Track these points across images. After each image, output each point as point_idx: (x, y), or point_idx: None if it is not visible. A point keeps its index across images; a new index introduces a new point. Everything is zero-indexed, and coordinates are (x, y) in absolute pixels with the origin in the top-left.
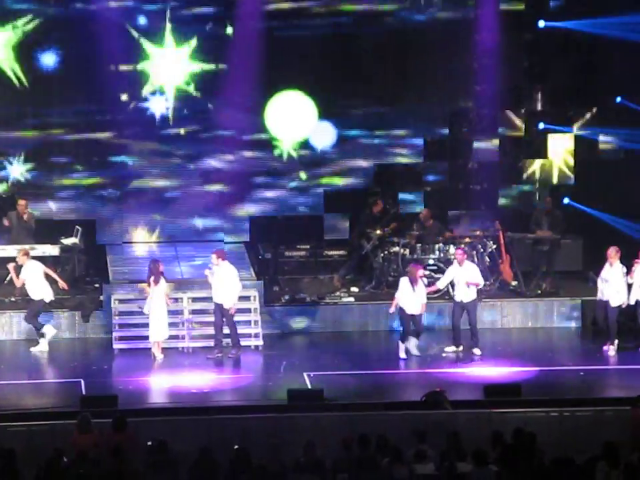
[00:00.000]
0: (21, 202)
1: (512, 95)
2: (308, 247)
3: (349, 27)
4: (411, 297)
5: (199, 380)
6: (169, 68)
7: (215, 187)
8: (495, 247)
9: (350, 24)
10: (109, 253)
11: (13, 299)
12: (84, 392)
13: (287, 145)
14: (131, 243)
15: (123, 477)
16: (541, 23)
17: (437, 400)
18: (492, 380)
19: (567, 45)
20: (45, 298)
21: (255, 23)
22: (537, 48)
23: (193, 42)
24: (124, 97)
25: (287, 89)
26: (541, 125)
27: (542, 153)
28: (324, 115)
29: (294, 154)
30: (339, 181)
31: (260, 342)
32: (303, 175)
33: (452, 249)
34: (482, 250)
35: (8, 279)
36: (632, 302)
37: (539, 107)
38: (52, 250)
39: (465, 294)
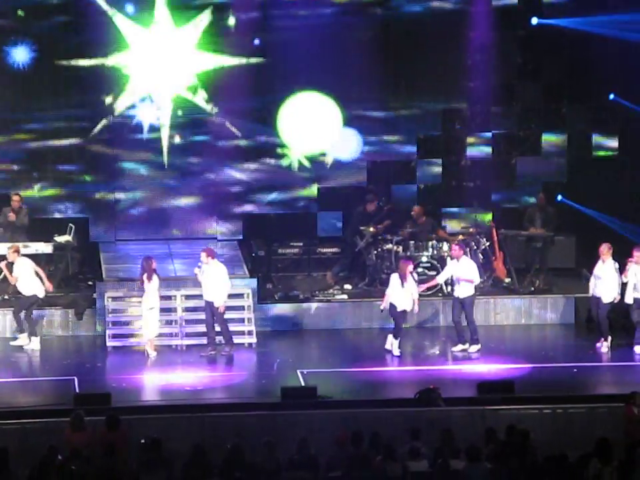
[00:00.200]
0: (15, 198)
1: (505, 91)
2: (301, 244)
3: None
4: (400, 292)
5: (192, 378)
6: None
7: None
8: (488, 243)
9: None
10: (102, 250)
11: (6, 297)
12: (77, 390)
13: (298, 154)
14: (125, 240)
15: (116, 475)
16: (534, 20)
17: (431, 397)
18: (485, 377)
19: (560, 42)
20: (37, 293)
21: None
22: (530, 45)
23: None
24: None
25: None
26: (534, 123)
27: (535, 150)
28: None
29: (306, 163)
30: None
31: (254, 339)
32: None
33: (445, 246)
34: (475, 247)
35: (1, 276)
36: (627, 300)
37: (532, 104)
38: (45, 247)
39: (460, 290)
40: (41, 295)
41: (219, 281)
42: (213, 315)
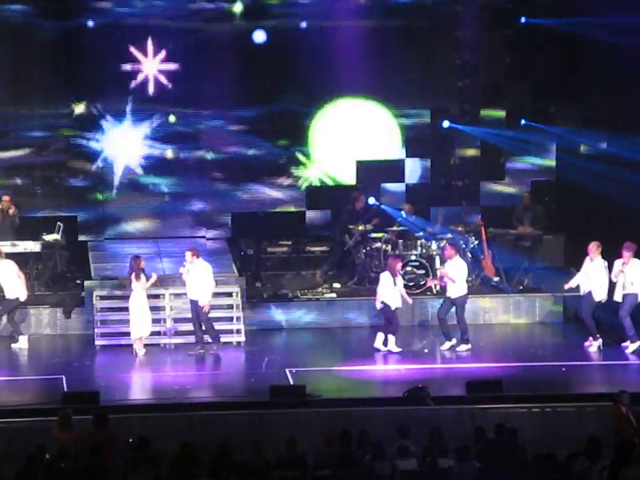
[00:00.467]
0: (5, 198)
1: (493, 90)
2: (290, 242)
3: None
4: (392, 290)
5: (180, 376)
6: None
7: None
8: (477, 242)
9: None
10: (91, 249)
11: None
12: (65, 388)
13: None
14: (113, 239)
15: (104, 474)
16: (522, 19)
17: (419, 396)
18: (474, 376)
19: (549, 41)
20: (20, 297)
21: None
22: (519, 44)
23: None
24: None
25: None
26: (522, 122)
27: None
28: None
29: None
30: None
31: (242, 338)
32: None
33: (434, 244)
34: (464, 246)
35: None
36: (616, 298)
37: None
38: (34, 246)
39: (452, 289)
40: (23, 298)
41: (203, 280)
42: (197, 313)
